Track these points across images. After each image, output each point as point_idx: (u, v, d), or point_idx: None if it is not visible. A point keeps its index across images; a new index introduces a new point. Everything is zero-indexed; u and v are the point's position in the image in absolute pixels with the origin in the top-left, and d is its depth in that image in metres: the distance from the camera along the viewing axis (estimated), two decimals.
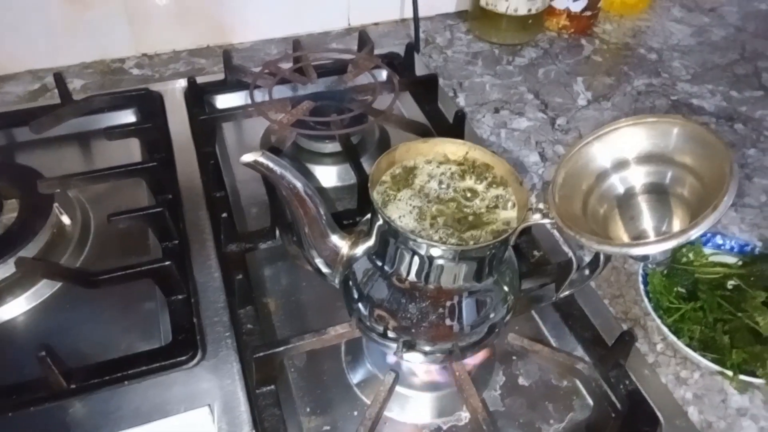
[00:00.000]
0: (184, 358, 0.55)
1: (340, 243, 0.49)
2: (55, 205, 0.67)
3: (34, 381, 0.52)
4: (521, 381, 0.59)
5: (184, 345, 0.56)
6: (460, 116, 0.78)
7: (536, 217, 0.45)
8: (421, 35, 1.04)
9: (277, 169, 0.45)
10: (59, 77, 0.80)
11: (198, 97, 0.84)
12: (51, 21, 0.89)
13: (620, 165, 0.45)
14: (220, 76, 0.87)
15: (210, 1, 0.95)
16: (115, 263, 0.60)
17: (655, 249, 0.40)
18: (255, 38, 1.02)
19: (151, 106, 0.82)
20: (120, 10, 0.91)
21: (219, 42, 1.00)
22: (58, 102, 0.80)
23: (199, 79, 0.85)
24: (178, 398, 0.53)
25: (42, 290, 0.62)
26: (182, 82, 0.86)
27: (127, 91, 0.84)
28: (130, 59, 0.96)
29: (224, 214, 0.63)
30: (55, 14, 0.88)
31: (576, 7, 1.06)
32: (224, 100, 0.86)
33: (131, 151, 0.78)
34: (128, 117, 0.83)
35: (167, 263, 0.58)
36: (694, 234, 0.38)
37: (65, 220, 0.67)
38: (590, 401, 0.57)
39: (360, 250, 0.49)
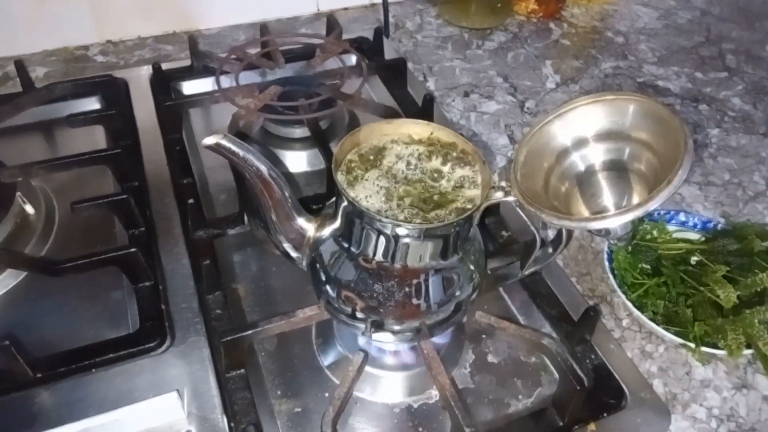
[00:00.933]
0: (152, 344, 0.54)
1: (307, 225, 0.49)
2: (18, 194, 0.65)
3: None
4: (490, 358, 0.60)
5: (152, 331, 0.55)
6: (429, 99, 0.78)
7: (498, 195, 0.45)
8: (391, 20, 1.04)
9: (240, 152, 0.44)
10: (20, 65, 0.78)
11: (164, 83, 0.83)
12: (13, 9, 0.87)
13: (580, 143, 0.46)
14: (187, 63, 0.86)
15: None
16: (80, 252, 0.59)
17: (614, 222, 0.40)
18: (223, 24, 1.01)
19: (115, 93, 0.81)
20: None
21: (186, 28, 0.99)
22: (19, 90, 0.78)
23: (165, 66, 0.84)
24: (147, 385, 0.53)
25: (6, 280, 0.61)
26: (148, 69, 0.85)
27: (89, 78, 0.83)
28: (94, 46, 0.94)
29: (191, 200, 0.62)
30: (16, 2, 0.86)
31: None
32: (191, 87, 0.85)
33: (96, 139, 0.77)
34: (92, 104, 0.81)
35: (133, 250, 0.57)
36: (651, 206, 0.39)
37: (29, 209, 0.66)
38: (557, 376, 0.57)
39: (326, 231, 0.49)
